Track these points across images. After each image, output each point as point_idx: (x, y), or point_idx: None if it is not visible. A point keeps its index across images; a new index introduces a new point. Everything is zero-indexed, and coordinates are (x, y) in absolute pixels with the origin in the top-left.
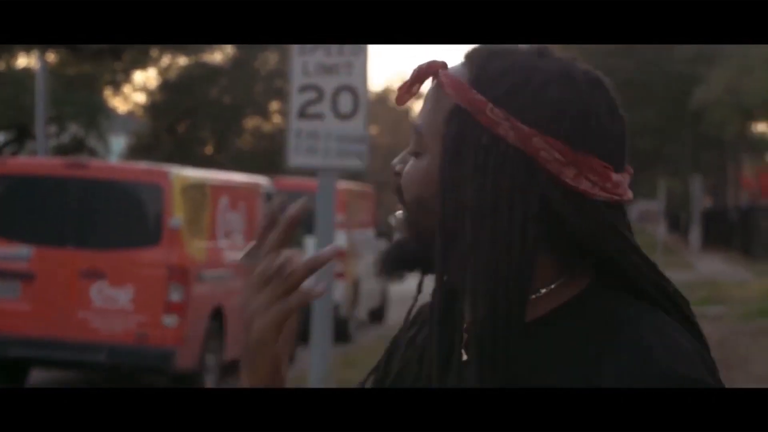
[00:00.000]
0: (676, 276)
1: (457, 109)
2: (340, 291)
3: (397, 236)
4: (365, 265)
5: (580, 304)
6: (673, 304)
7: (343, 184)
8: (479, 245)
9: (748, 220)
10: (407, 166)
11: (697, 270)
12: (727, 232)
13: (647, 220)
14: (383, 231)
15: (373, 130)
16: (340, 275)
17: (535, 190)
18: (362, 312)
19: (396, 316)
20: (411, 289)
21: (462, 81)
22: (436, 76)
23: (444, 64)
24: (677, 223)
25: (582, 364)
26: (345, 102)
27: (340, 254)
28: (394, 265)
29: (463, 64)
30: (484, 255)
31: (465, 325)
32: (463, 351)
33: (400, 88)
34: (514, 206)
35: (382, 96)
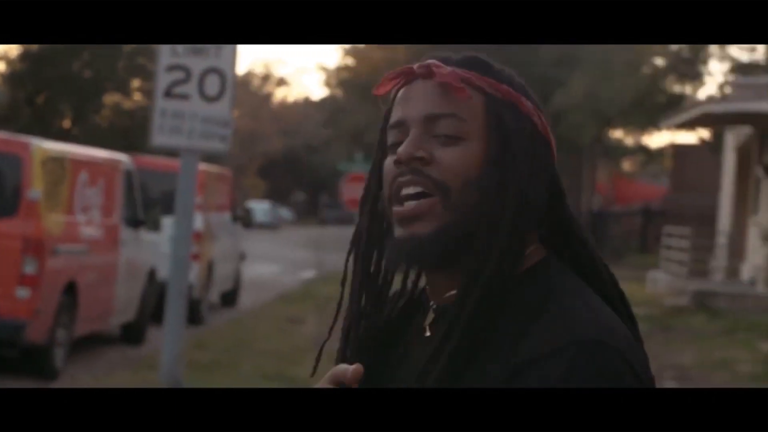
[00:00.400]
0: None
1: (495, 100)
2: (194, 273)
3: (418, 231)
4: (220, 247)
5: (531, 275)
6: (617, 294)
7: (202, 166)
8: (518, 217)
9: (599, 225)
10: (444, 152)
11: None
12: None
13: None
14: (240, 215)
15: (234, 113)
16: (195, 257)
17: (551, 171)
18: (215, 295)
19: (248, 301)
20: (261, 276)
21: (490, 79)
22: (444, 75)
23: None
24: None
25: (517, 327)
26: (212, 84)
27: (196, 236)
28: (419, 258)
29: (463, 67)
30: (515, 227)
31: (433, 304)
32: (426, 328)
33: (383, 82)
34: (542, 183)
35: (245, 80)
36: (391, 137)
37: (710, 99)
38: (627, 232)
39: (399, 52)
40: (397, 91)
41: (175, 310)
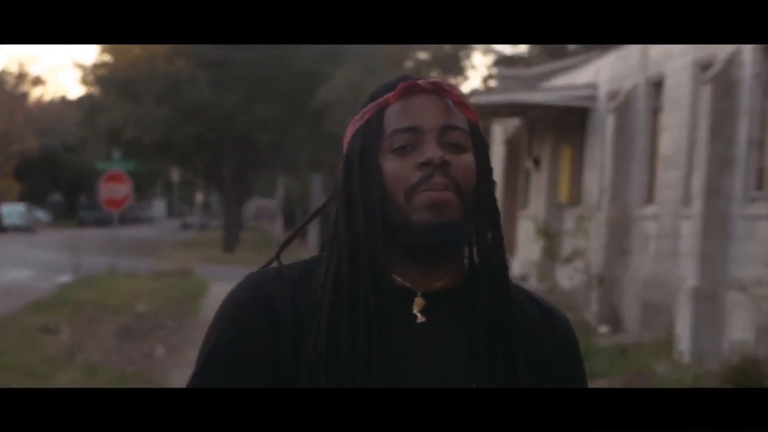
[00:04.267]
0: None
1: (475, 120)
2: None
3: (447, 217)
4: None
5: None
6: None
7: None
8: (498, 217)
9: None
10: (459, 158)
11: None
12: None
13: (263, 217)
14: None
15: None
16: None
17: None
18: None
19: None
20: (14, 281)
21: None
22: (457, 96)
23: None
24: (293, 221)
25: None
26: None
27: None
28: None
29: (451, 89)
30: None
31: (420, 293)
32: (419, 315)
33: (397, 92)
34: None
35: None
36: (399, 140)
37: (475, 92)
38: None
39: (157, 48)
40: (385, 102)
41: None
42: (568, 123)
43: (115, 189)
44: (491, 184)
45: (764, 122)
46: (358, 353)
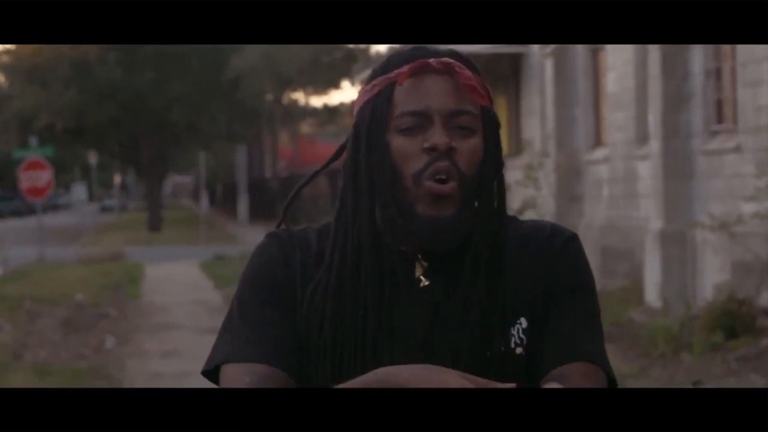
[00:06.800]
0: (227, 249)
1: (486, 104)
2: None
3: (447, 211)
4: None
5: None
6: None
7: None
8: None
9: (289, 189)
10: (465, 143)
11: (246, 242)
12: (270, 201)
13: (181, 194)
14: None
15: None
16: None
17: None
18: None
19: None
20: None
21: (483, 86)
22: (468, 78)
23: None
24: (214, 196)
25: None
26: None
27: None
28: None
29: (467, 67)
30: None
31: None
32: (422, 278)
33: (407, 72)
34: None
35: None
36: (407, 122)
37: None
38: (315, 194)
39: None
40: (395, 79)
41: None
42: (500, 72)
43: (36, 177)
44: (498, 165)
45: (719, 52)
46: (360, 325)
